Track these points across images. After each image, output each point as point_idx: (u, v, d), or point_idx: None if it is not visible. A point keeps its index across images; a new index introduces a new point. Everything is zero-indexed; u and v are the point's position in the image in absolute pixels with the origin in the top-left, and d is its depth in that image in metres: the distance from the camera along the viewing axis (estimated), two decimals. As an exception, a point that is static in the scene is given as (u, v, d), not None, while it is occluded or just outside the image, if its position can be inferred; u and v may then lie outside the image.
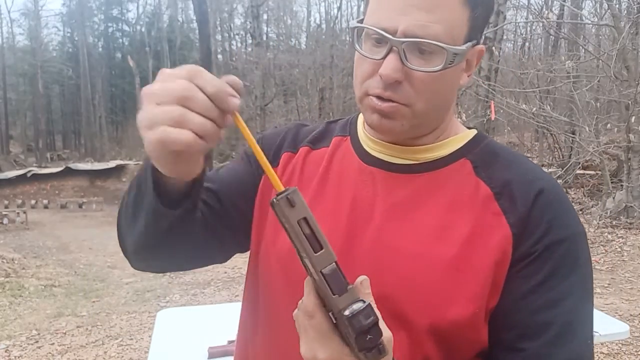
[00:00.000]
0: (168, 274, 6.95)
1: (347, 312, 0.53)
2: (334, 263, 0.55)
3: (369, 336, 0.53)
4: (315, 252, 0.54)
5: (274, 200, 0.54)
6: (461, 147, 0.75)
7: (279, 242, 0.75)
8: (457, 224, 0.69)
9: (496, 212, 0.69)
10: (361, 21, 0.69)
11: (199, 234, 0.73)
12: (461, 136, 0.77)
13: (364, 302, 0.54)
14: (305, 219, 0.54)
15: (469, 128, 0.80)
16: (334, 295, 0.54)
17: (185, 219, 0.67)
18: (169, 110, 0.53)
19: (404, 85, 0.67)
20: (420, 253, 0.68)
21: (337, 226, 0.73)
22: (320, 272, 0.54)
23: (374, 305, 0.56)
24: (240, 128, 0.57)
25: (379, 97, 0.68)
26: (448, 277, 0.66)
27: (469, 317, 0.66)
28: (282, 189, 0.54)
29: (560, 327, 0.65)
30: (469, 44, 0.68)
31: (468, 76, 0.73)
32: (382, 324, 0.55)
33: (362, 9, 32.40)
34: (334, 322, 0.56)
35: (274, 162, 0.82)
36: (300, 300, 0.58)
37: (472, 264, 0.66)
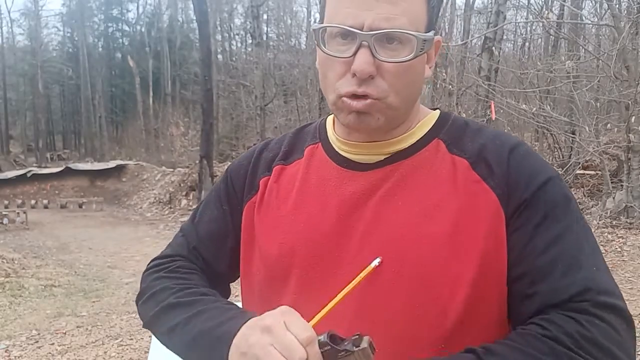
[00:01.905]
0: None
1: None
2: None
3: None
4: None
5: (356, 347, 0.59)
6: (430, 129, 0.78)
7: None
8: (444, 201, 0.71)
9: (476, 180, 0.72)
10: (322, 23, 0.70)
11: None
12: (428, 119, 0.79)
13: None
14: None
15: (433, 110, 0.83)
16: None
17: None
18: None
19: (376, 80, 0.68)
20: (418, 237, 0.70)
21: (327, 227, 0.74)
22: None
23: None
24: None
25: (353, 96, 0.69)
26: (448, 253, 0.68)
27: (472, 284, 0.67)
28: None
29: (565, 261, 0.66)
30: (432, 32, 0.70)
31: (430, 68, 0.75)
32: None
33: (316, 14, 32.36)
34: None
35: (253, 190, 0.84)
36: None
37: (468, 234, 0.69)
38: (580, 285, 0.65)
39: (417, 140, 0.76)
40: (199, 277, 0.82)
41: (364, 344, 0.60)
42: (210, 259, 0.85)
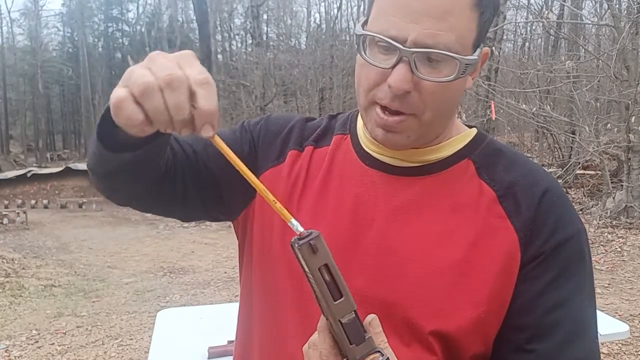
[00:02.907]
0: (168, 274, 6.94)
1: None
2: (353, 312, 0.54)
3: None
4: (335, 300, 0.54)
5: (296, 245, 0.53)
6: (463, 147, 0.74)
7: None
8: (461, 228, 0.68)
9: (500, 215, 0.68)
10: (366, 25, 0.67)
11: (155, 176, 0.71)
12: (462, 136, 0.75)
13: (382, 354, 0.54)
14: (326, 265, 0.54)
15: (469, 127, 0.78)
16: (351, 344, 0.54)
17: (136, 164, 0.66)
18: (148, 82, 0.52)
19: (412, 95, 0.65)
20: (425, 258, 0.67)
21: (340, 227, 0.71)
22: (339, 321, 0.54)
23: (392, 357, 0.55)
24: (222, 150, 0.56)
25: (385, 109, 0.66)
26: (454, 281, 0.65)
27: (474, 321, 0.65)
28: (291, 219, 0.54)
29: (569, 326, 0.65)
30: (478, 50, 0.66)
31: (472, 79, 0.71)
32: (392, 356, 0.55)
33: (362, 9, 32.40)
34: None
35: (280, 158, 0.80)
36: (312, 337, 0.57)
37: (478, 268, 0.66)
38: (576, 355, 0.65)
39: (448, 157, 0.73)
40: None
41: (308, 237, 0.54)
42: (203, 159, 0.77)
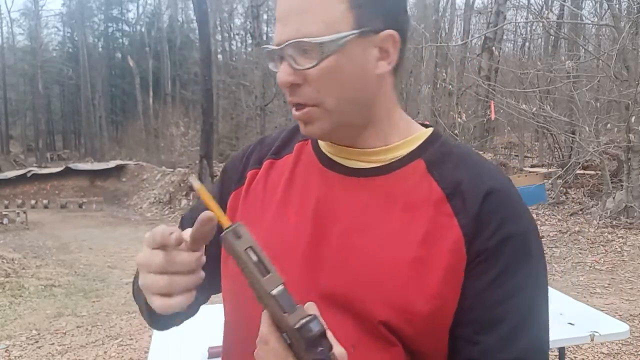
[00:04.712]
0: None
1: (297, 326, 0.56)
2: (281, 285, 0.58)
3: (319, 348, 0.56)
4: (264, 277, 0.58)
5: (223, 235, 0.59)
6: (416, 148, 0.76)
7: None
8: (412, 226, 0.71)
9: (448, 214, 0.70)
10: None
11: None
12: (417, 137, 0.78)
13: (311, 314, 0.58)
14: (251, 247, 0.59)
15: (426, 126, 0.81)
16: (284, 313, 0.57)
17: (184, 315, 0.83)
18: (158, 279, 0.63)
19: (304, 87, 0.70)
20: (381, 255, 0.70)
21: (304, 229, 0.74)
22: (270, 293, 0.58)
23: (323, 322, 0.58)
24: (203, 198, 0.62)
25: (295, 105, 0.73)
26: (407, 277, 0.68)
27: (428, 315, 0.68)
28: (229, 224, 0.59)
29: (512, 322, 0.68)
30: (351, 32, 0.67)
31: (388, 64, 0.72)
32: (334, 341, 0.58)
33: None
34: (289, 342, 0.58)
35: (241, 181, 0.85)
36: (258, 338, 0.61)
37: (429, 265, 0.68)
38: (521, 348, 0.68)
39: (402, 157, 0.75)
40: None
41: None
42: None
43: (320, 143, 0.81)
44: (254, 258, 0.58)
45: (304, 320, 0.57)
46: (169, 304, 0.61)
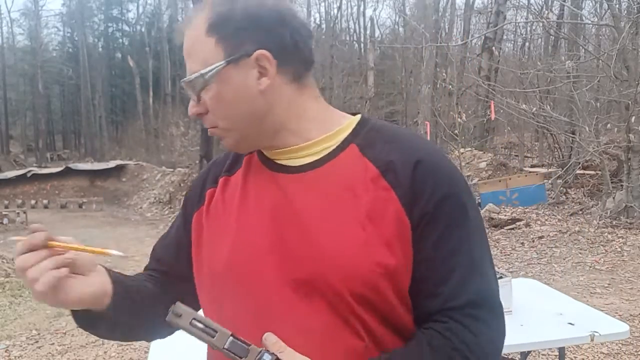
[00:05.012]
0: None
1: None
2: (230, 337, 0.72)
3: None
4: (213, 337, 0.72)
5: (167, 319, 0.73)
6: (348, 135, 0.85)
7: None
8: (357, 205, 0.79)
9: (385, 188, 0.79)
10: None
11: (148, 313, 0.90)
12: (346, 125, 0.86)
13: (261, 349, 0.72)
14: (194, 318, 0.73)
15: (354, 114, 0.89)
16: (241, 358, 0.71)
17: (117, 323, 0.86)
18: (23, 277, 0.75)
19: (207, 115, 0.84)
20: (335, 237, 0.78)
21: (263, 230, 0.83)
22: (224, 348, 0.71)
23: (286, 353, 0.73)
24: (64, 247, 0.76)
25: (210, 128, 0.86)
26: (361, 252, 0.77)
27: (386, 281, 0.77)
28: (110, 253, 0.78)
29: (462, 270, 0.78)
30: (220, 63, 0.79)
31: (268, 79, 0.80)
32: (291, 354, 0.73)
33: (362, 9, 32.42)
34: None
35: (201, 201, 0.94)
36: None
37: (377, 237, 0.77)
38: (473, 291, 0.78)
39: (336, 147, 0.84)
40: (146, 280, 0.98)
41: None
42: (172, 263, 0.99)
43: (264, 151, 0.89)
44: (200, 325, 0.73)
45: (258, 357, 0.71)
46: (35, 289, 0.74)
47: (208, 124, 0.85)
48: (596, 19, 11.33)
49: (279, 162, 0.86)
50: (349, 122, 0.87)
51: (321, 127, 0.85)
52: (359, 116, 0.88)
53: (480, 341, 0.77)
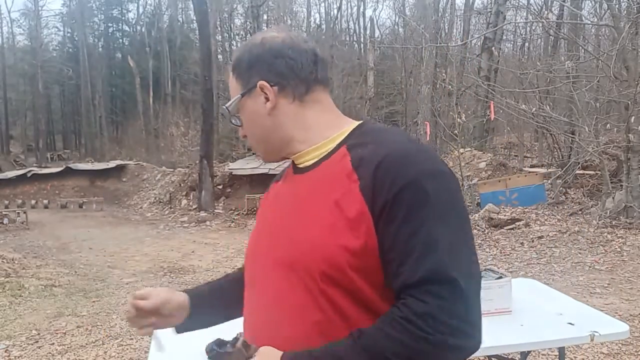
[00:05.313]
0: (168, 274, 6.96)
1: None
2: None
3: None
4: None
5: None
6: (344, 138, 1.00)
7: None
8: (331, 196, 0.93)
9: (355, 180, 0.91)
10: None
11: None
12: (346, 129, 1.02)
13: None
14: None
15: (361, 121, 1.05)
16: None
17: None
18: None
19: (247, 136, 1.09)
20: (311, 225, 0.93)
21: (269, 224, 1.06)
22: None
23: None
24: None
25: None
26: (329, 236, 0.90)
27: (352, 263, 0.88)
28: None
29: (418, 251, 0.84)
30: (238, 95, 1.04)
31: (271, 103, 1.01)
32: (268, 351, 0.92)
33: (362, 10, 32.40)
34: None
35: (267, 189, 1.20)
36: None
37: (343, 223, 0.89)
38: (426, 269, 0.83)
39: (332, 149, 1.00)
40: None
41: (239, 344, 0.97)
42: None
43: (291, 158, 1.08)
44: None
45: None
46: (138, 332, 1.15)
47: (248, 143, 1.10)
48: (596, 19, 11.33)
49: (298, 165, 1.05)
50: (349, 127, 1.02)
51: (324, 134, 1.02)
52: (359, 122, 1.03)
53: (431, 309, 0.81)
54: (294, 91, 1.01)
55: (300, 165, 1.04)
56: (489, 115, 10.98)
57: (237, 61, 1.05)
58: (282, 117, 1.02)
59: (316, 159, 1.01)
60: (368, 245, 0.87)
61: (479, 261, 0.93)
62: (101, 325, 4.59)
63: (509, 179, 9.88)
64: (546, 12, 9.75)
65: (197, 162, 14.33)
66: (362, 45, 29.66)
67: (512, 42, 23.41)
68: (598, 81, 9.04)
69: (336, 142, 1.00)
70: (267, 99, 1.01)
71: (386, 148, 0.92)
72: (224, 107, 1.05)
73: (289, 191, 1.04)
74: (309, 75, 1.01)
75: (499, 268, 2.72)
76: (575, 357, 3.39)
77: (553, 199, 9.42)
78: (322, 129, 1.03)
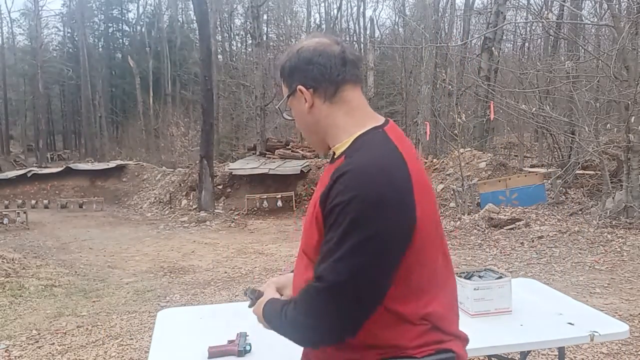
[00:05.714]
0: (168, 274, 6.95)
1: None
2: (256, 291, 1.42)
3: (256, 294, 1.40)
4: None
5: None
6: (346, 148, 1.19)
7: None
8: (319, 192, 1.14)
9: (327, 184, 1.11)
10: None
11: None
12: (347, 140, 1.20)
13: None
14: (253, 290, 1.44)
15: (377, 126, 1.21)
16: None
17: None
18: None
19: None
20: (310, 214, 1.18)
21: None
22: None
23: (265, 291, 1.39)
24: None
25: None
26: (309, 228, 1.18)
27: (312, 251, 1.17)
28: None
29: (323, 256, 1.10)
30: (286, 96, 1.27)
31: (308, 103, 1.23)
32: (269, 291, 1.37)
33: (362, 10, 32.38)
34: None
35: None
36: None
37: (313, 219, 1.15)
38: (321, 269, 1.09)
39: (341, 152, 1.19)
40: None
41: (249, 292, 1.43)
42: None
43: None
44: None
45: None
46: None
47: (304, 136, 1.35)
48: (596, 19, 11.33)
49: (334, 157, 1.23)
50: (368, 127, 1.20)
51: (350, 131, 1.21)
52: (369, 127, 1.20)
53: (308, 292, 1.13)
54: (325, 92, 1.21)
55: (334, 157, 1.23)
56: (489, 115, 10.98)
57: (282, 69, 1.27)
58: (318, 115, 1.23)
59: (337, 154, 1.21)
60: (320, 241, 1.13)
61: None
62: (101, 325, 4.59)
63: (509, 179, 9.88)
64: (546, 12, 9.74)
65: (197, 162, 14.33)
66: (362, 45, 29.65)
67: (512, 42, 23.40)
68: (598, 81, 9.04)
69: (343, 147, 1.21)
70: (306, 100, 1.23)
71: (354, 163, 1.10)
72: (276, 106, 1.31)
73: (326, 179, 1.20)
74: (337, 77, 1.20)
75: (499, 268, 2.72)
76: (575, 357, 3.39)
77: (553, 199, 9.42)
78: (349, 126, 1.22)
